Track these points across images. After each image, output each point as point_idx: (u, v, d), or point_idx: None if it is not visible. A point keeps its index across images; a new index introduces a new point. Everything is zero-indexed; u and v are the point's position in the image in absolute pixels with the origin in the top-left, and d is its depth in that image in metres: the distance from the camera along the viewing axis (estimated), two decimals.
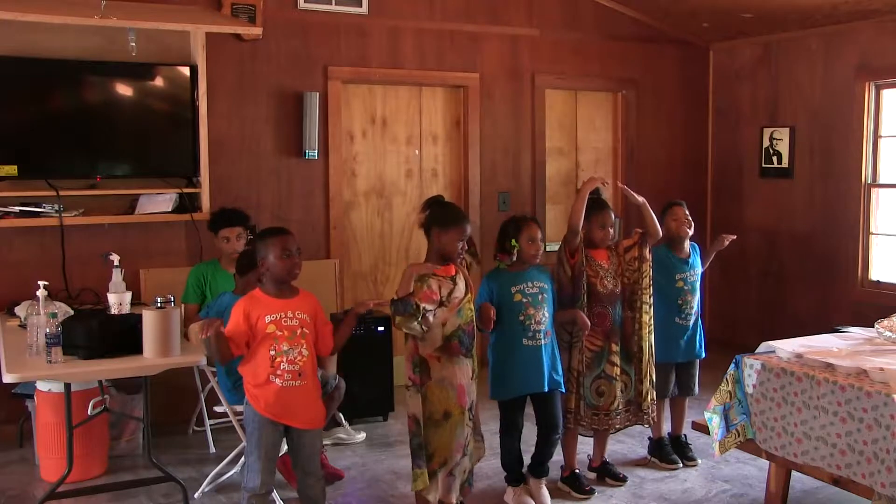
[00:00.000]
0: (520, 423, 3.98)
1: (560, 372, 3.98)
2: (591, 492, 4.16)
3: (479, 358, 3.76)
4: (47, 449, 4.32)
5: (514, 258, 3.88)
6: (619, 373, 4.16)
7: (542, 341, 3.87)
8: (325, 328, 3.48)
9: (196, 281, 4.56)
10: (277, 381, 3.32)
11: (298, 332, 3.35)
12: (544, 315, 3.88)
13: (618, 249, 4.24)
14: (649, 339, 4.24)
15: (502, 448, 4.03)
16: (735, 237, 4.71)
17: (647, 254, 4.22)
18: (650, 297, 4.23)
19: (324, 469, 4.28)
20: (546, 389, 3.90)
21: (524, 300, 3.85)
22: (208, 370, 4.06)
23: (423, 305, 3.45)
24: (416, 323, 3.45)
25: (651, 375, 4.26)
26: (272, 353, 3.31)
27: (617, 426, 4.24)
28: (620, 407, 4.18)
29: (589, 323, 4.00)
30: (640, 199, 4.21)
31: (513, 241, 3.86)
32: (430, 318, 3.49)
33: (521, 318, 3.84)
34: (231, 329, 3.32)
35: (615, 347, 4.16)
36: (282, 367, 3.32)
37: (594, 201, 4.18)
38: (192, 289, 4.56)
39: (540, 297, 3.89)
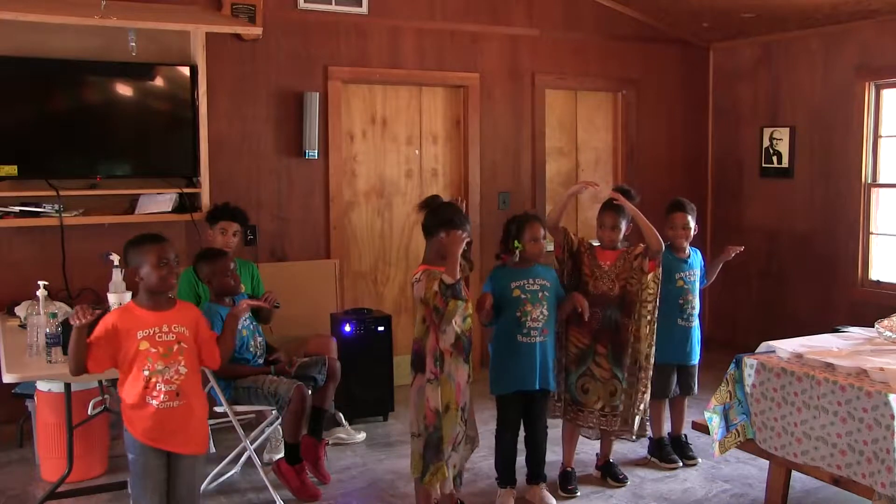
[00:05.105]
0: (516, 420, 3.97)
1: (552, 373, 3.97)
2: (574, 491, 4.17)
3: (480, 359, 3.76)
4: (47, 449, 4.32)
5: (517, 258, 3.89)
6: (607, 376, 4.12)
7: (537, 339, 3.86)
8: (209, 341, 3.22)
9: (188, 283, 4.53)
10: (154, 402, 3.04)
11: (175, 347, 3.08)
12: (542, 313, 3.87)
13: (630, 254, 4.16)
14: (647, 352, 4.13)
15: (497, 446, 4.02)
16: (742, 248, 4.66)
17: (647, 266, 4.07)
18: (649, 312, 4.11)
19: (318, 471, 4.28)
20: (537, 388, 3.89)
21: (523, 296, 3.85)
22: (207, 371, 4.05)
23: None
24: (459, 311, 3.50)
25: (644, 390, 4.15)
26: (146, 373, 3.04)
27: (598, 426, 4.20)
28: (607, 409, 4.14)
29: (587, 304, 3.98)
30: (630, 207, 4.14)
31: (516, 241, 3.86)
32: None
33: (518, 314, 3.85)
34: (91, 339, 3.02)
35: (602, 349, 4.12)
36: (158, 387, 3.04)
37: (606, 203, 4.19)
38: (184, 293, 4.53)
39: (540, 294, 3.88)
